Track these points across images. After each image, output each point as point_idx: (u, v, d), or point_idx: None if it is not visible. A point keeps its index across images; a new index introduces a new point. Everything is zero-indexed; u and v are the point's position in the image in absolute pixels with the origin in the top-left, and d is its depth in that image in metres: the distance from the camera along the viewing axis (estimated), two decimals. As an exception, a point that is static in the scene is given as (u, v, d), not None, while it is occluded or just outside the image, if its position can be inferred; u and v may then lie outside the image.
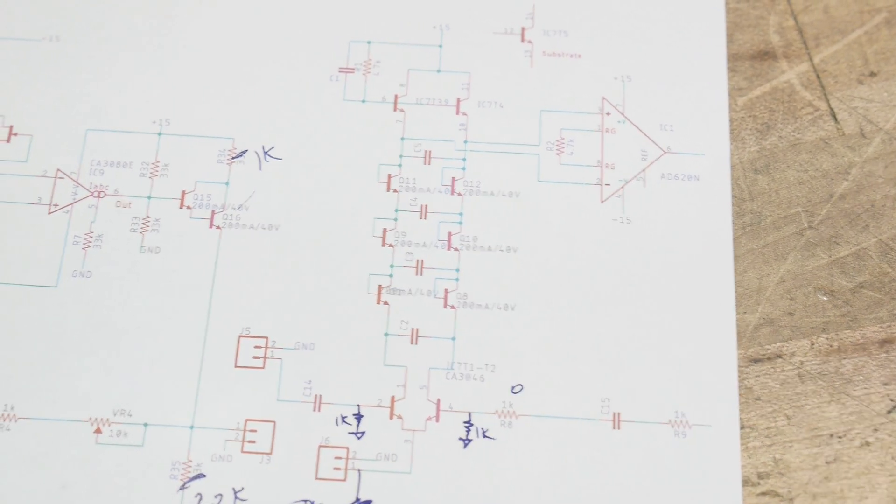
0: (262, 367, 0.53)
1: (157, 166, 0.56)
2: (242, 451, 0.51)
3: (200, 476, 0.51)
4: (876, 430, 0.52)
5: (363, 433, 0.52)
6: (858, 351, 0.53)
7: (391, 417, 0.52)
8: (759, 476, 0.51)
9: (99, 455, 0.51)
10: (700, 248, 0.55)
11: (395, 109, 0.58)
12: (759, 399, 0.52)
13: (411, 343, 0.53)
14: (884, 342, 0.53)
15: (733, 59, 0.59)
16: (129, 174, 0.56)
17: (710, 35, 0.59)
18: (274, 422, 0.52)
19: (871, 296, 0.54)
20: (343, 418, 0.52)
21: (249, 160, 0.56)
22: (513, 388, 0.52)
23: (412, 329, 0.53)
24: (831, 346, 0.53)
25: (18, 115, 0.57)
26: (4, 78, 0.58)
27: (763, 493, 0.51)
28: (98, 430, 0.51)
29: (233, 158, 0.56)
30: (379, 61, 0.59)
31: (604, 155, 0.57)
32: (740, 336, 0.53)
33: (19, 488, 0.50)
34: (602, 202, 0.56)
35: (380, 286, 0.54)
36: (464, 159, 0.57)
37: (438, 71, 0.58)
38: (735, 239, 0.55)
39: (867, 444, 0.52)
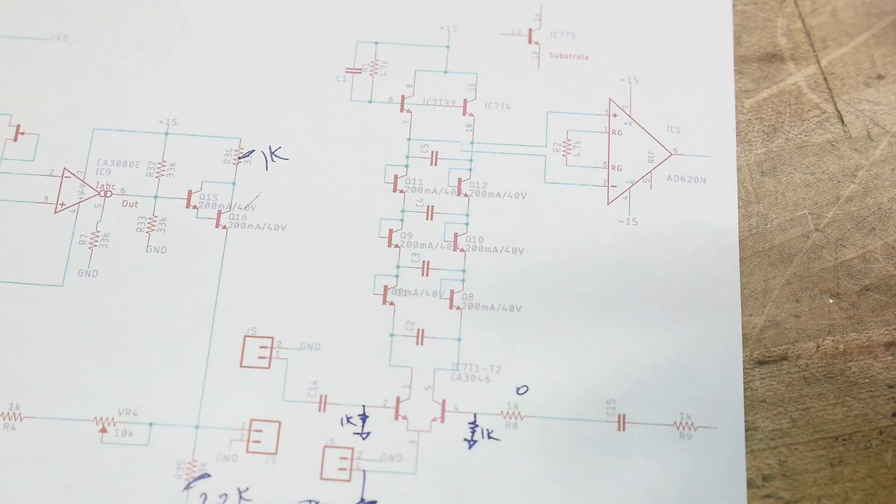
0: (268, 367, 0.53)
1: (164, 166, 0.56)
2: (247, 451, 0.51)
3: (205, 476, 0.51)
4: (881, 432, 0.52)
5: (368, 434, 0.52)
6: (864, 353, 0.53)
7: (396, 418, 0.52)
8: (764, 478, 0.51)
9: (104, 454, 0.51)
10: (706, 250, 0.55)
11: (401, 110, 0.58)
12: (764, 401, 0.52)
13: (417, 344, 0.53)
14: (889, 345, 0.53)
15: (740, 61, 0.59)
16: (135, 174, 0.56)
17: (718, 37, 0.59)
18: (279, 422, 0.52)
19: (877, 298, 0.54)
20: (348, 419, 0.52)
21: (256, 160, 0.56)
22: (518, 389, 0.52)
23: (418, 330, 0.53)
24: (837, 349, 0.53)
25: (25, 114, 0.57)
26: (12, 77, 0.58)
27: (768, 496, 0.51)
28: (103, 430, 0.51)
29: (239, 158, 0.56)
30: (386, 62, 0.59)
31: (610, 156, 0.57)
32: (746, 338, 0.53)
33: (25, 487, 0.50)
34: (608, 204, 0.56)
35: (386, 287, 0.54)
36: (470, 160, 0.57)
37: (445, 72, 0.58)
38: (741, 241, 0.55)
39: (872, 446, 0.51)
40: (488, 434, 0.52)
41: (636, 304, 0.54)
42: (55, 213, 0.55)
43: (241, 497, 0.51)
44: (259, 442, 0.51)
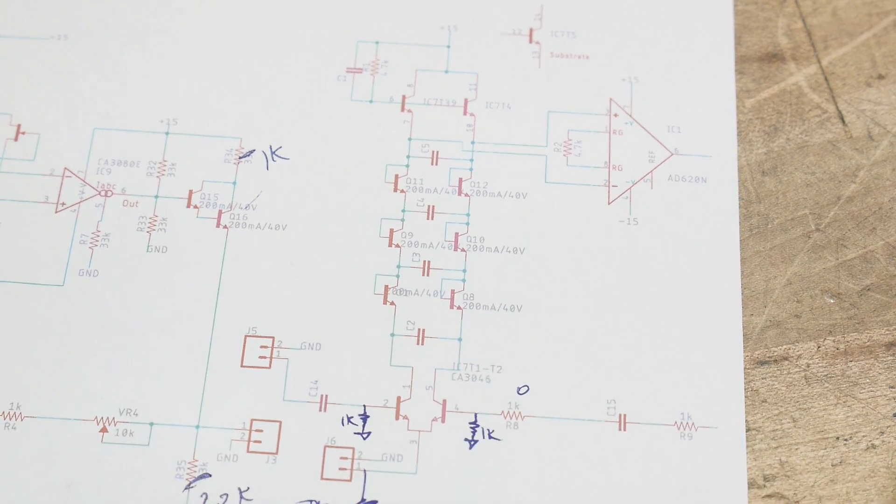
0: (269, 367, 0.53)
1: (165, 165, 0.56)
2: (248, 451, 0.51)
3: (206, 476, 0.51)
4: (882, 432, 0.52)
5: (369, 433, 0.52)
6: (865, 354, 0.53)
7: (397, 418, 0.52)
8: (765, 478, 0.51)
9: (104, 454, 0.51)
10: (707, 250, 0.55)
11: (402, 110, 0.58)
12: (765, 401, 0.52)
13: (417, 343, 0.53)
14: (890, 345, 0.53)
15: (741, 60, 0.59)
16: (136, 173, 0.56)
17: (718, 37, 0.59)
18: (280, 422, 0.52)
19: (878, 298, 0.54)
20: (349, 418, 0.52)
21: (257, 160, 0.56)
22: (519, 389, 0.52)
23: (418, 329, 0.53)
24: (838, 349, 0.53)
25: (26, 113, 0.57)
26: (12, 77, 0.58)
27: (769, 496, 0.51)
28: (104, 430, 0.51)
29: (240, 158, 0.56)
30: (387, 61, 0.59)
31: (611, 156, 0.57)
32: (747, 338, 0.53)
33: (25, 487, 0.50)
34: (609, 204, 0.56)
35: (386, 286, 0.54)
36: (471, 160, 0.57)
37: (446, 71, 0.58)
38: (742, 241, 0.55)
39: (873, 446, 0.51)
40: (489, 434, 0.52)
41: (637, 303, 0.54)
42: (56, 212, 0.55)
43: (241, 497, 0.51)
44: (260, 442, 0.51)
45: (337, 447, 0.51)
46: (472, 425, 0.52)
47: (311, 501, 0.50)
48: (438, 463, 0.51)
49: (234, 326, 0.53)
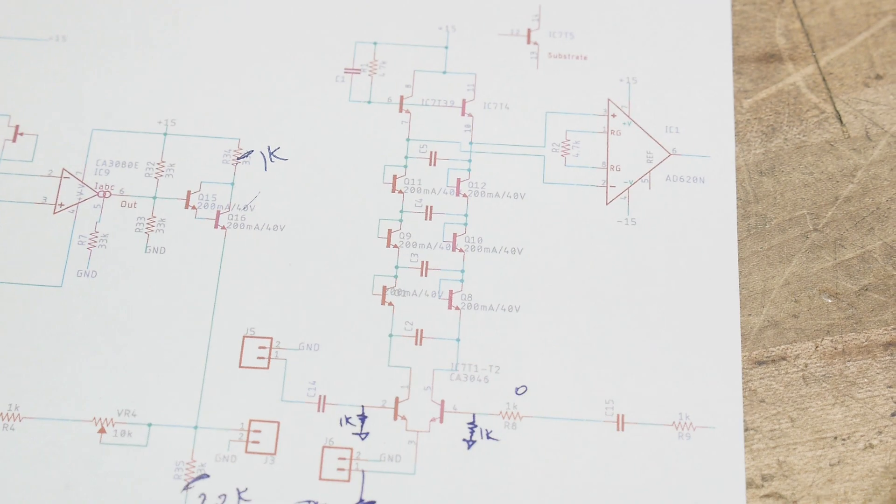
0: (267, 368, 0.53)
1: (163, 166, 0.56)
2: (246, 452, 0.51)
3: (204, 476, 0.51)
4: (880, 432, 0.52)
5: (367, 434, 0.52)
6: (863, 353, 0.53)
7: (395, 418, 0.52)
8: (763, 478, 0.51)
9: (103, 455, 0.51)
10: (705, 251, 0.55)
11: (400, 110, 0.58)
12: (763, 401, 0.52)
13: (416, 344, 0.53)
14: (888, 345, 0.53)
15: (739, 61, 0.59)
16: (134, 174, 0.56)
17: (716, 37, 0.59)
18: (278, 422, 0.52)
19: (876, 298, 0.54)
20: (347, 419, 0.52)
21: (255, 161, 0.56)
22: (517, 389, 0.52)
23: (417, 330, 0.53)
24: (836, 349, 0.53)
25: (24, 114, 0.57)
26: (10, 77, 0.58)
27: (767, 496, 0.51)
28: (102, 430, 0.51)
29: (238, 159, 0.57)
30: (385, 62, 0.59)
31: (609, 157, 0.57)
32: (745, 338, 0.53)
33: (23, 488, 0.50)
34: (607, 204, 0.56)
35: (384, 287, 0.54)
36: (469, 160, 0.57)
37: (444, 72, 0.58)
38: (740, 241, 0.55)
39: (871, 446, 0.51)
40: (487, 434, 0.52)
41: (635, 304, 0.54)
42: (54, 213, 0.55)
43: (240, 497, 0.51)
44: (258, 442, 0.51)
45: (335, 447, 0.51)
46: (471, 425, 0.52)
47: (309, 502, 0.50)
48: (437, 463, 0.51)
49: (233, 327, 0.53)
